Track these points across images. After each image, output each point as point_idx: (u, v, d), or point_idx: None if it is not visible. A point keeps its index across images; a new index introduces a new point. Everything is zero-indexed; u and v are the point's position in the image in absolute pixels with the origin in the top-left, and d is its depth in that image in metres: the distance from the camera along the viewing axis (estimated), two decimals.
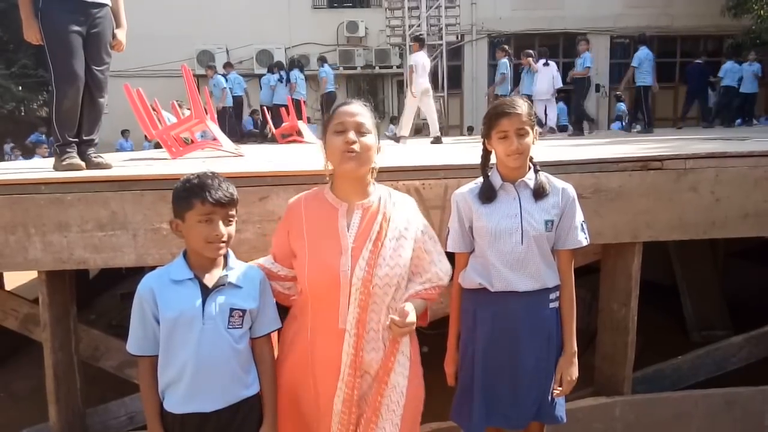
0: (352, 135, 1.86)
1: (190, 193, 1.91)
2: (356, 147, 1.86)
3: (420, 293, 2.00)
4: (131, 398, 3.40)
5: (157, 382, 1.98)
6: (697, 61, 13.37)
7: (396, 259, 1.91)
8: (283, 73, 12.81)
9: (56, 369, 3.02)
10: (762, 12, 16.17)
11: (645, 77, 10.12)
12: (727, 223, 3.17)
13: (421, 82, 8.86)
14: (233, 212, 1.97)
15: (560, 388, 2.31)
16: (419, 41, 9.39)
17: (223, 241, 1.93)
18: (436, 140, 8.84)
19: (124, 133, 15.31)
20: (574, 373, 2.32)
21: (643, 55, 10.16)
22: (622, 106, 16.07)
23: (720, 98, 13.13)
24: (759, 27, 16.13)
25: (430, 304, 2.07)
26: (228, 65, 13.91)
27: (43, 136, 16.20)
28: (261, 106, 13.39)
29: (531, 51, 10.97)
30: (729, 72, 12.66)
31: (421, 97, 8.95)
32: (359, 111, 1.92)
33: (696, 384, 3.62)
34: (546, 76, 10.55)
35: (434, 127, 9.02)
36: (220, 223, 1.91)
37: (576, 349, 2.34)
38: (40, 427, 3.26)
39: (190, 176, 1.96)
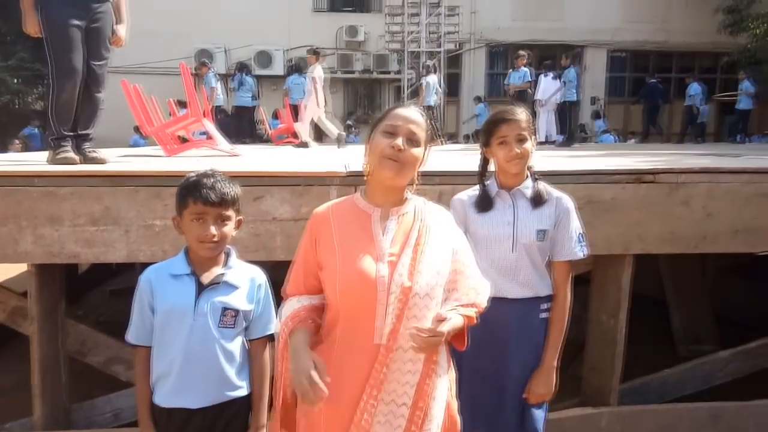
0: (400, 141, 1.69)
1: (186, 192, 1.93)
2: (401, 155, 1.69)
3: (458, 309, 1.80)
4: (117, 395, 3.39)
5: (150, 373, 2.00)
6: (652, 80, 13.85)
7: (437, 268, 1.75)
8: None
9: (43, 363, 3.01)
10: (758, 31, 16.33)
11: (572, 94, 10.92)
12: (718, 238, 3.20)
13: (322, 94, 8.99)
14: (229, 212, 1.96)
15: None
16: (316, 54, 9.41)
17: (215, 241, 1.93)
18: (303, 145, 8.96)
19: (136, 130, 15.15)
20: (546, 387, 2.28)
21: (572, 74, 10.94)
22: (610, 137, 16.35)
23: (684, 116, 13.88)
24: (755, 46, 16.30)
25: (467, 325, 1.83)
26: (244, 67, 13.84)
27: (36, 129, 16.08)
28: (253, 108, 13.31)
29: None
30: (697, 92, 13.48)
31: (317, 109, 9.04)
32: (416, 119, 1.75)
33: (682, 397, 3.65)
34: (553, 88, 10.84)
35: (305, 135, 9.16)
36: (212, 223, 1.92)
37: (555, 364, 2.30)
38: (24, 421, 3.24)
39: (191, 174, 1.98)
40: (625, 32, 18.23)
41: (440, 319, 1.66)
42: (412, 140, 1.72)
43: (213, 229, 1.92)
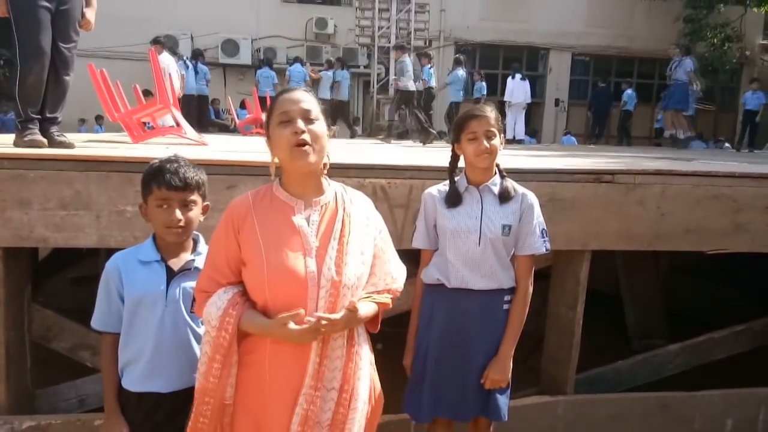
0: (300, 124, 1.66)
1: (149, 178, 1.96)
2: (306, 137, 1.66)
3: (372, 296, 1.85)
4: (82, 381, 3.37)
5: (118, 359, 2.02)
6: (602, 84, 14.39)
7: (362, 258, 1.77)
8: (188, 61, 12.29)
9: (8, 348, 2.97)
10: (715, 41, 16.98)
11: (456, 95, 11.45)
12: (671, 237, 3.37)
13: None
14: (194, 197, 1.99)
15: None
16: (159, 43, 9.41)
17: (180, 226, 1.96)
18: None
19: (98, 119, 14.70)
20: (501, 374, 2.38)
21: (458, 75, 11.53)
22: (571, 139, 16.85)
23: (619, 120, 14.50)
24: (711, 55, 16.93)
25: (382, 310, 1.88)
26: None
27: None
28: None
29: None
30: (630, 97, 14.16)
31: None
32: (303, 97, 1.72)
33: (634, 388, 3.83)
34: (521, 90, 11.19)
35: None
36: (177, 207, 1.95)
37: (511, 352, 2.40)
38: None
39: (154, 161, 2.00)
40: (589, 37, 18.69)
41: (352, 308, 1.69)
42: (309, 118, 1.70)
43: (178, 214, 1.94)
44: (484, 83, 13.53)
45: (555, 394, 3.48)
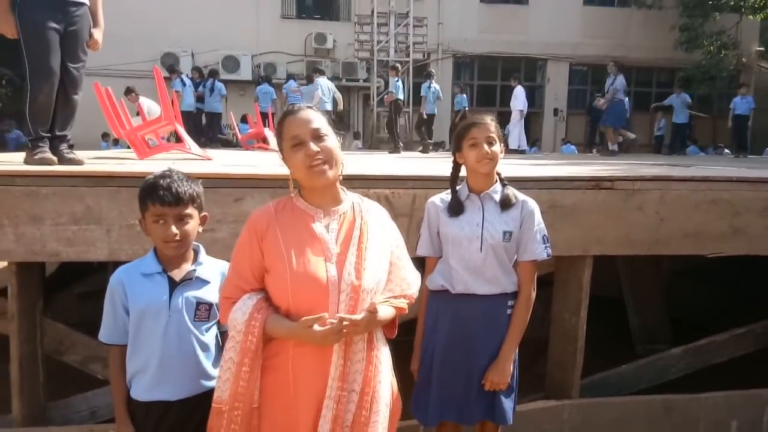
0: (312, 146, 1.73)
1: (144, 195, 2.00)
2: (320, 157, 1.73)
3: (389, 300, 1.89)
4: (93, 393, 3.41)
5: (125, 370, 2.07)
6: (598, 94, 14.57)
7: (380, 263, 1.83)
8: (185, 78, 12.51)
9: (21, 361, 3.03)
10: (711, 48, 17.13)
11: (431, 107, 11.87)
12: (670, 241, 3.43)
13: None
14: (188, 211, 2.02)
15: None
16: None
17: (177, 240, 1.99)
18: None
19: (104, 136, 14.87)
20: (501, 376, 2.42)
21: (427, 88, 11.90)
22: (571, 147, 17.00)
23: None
24: (708, 62, 17.07)
25: (399, 315, 1.93)
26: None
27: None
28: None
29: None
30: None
31: None
32: (309, 117, 1.78)
33: (638, 391, 3.86)
34: (520, 99, 11.43)
35: None
36: (173, 223, 1.98)
37: (512, 356, 2.45)
38: (0, 418, 3.23)
39: (149, 177, 2.04)
40: (586, 47, 18.87)
41: (372, 310, 1.75)
42: (320, 136, 1.76)
43: (173, 229, 1.97)
44: (464, 96, 13.96)
45: (561, 398, 3.52)
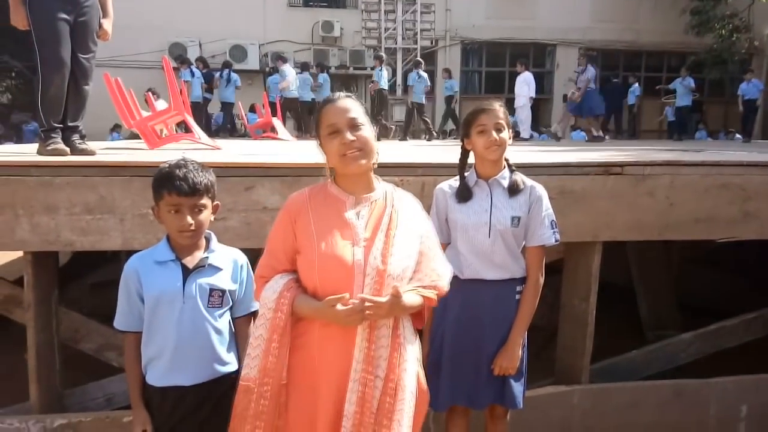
0: (348, 135, 1.79)
1: (160, 184, 2.01)
2: (356, 145, 1.79)
3: (417, 289, 1.89)
4: (109, 380, 3.48)
5: (141, 356, 2.10)
6: (614, 80, 14.41)
7: (407, 251, 1.86)
8: (193, 69, 12.62)
9: (38, 349, 3.08)
10: (723, 31, 16.89)
11: (419, 96, 11.96)
12: (680, 226, 3.42)
13: None
14: (203, 201, 2.04)
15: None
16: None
17: (192, 230, 2.02)
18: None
19: (116, 128, 14.94)
20: (510, 361, 2.44)
21: (416, 77, 12.14)
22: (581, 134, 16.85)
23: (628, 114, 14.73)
24: (720, 46, 16.84)
25: (427, 306, 1.93)
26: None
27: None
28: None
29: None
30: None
31: None
32: (347, 106, 1.84)
33: (648, 377, 3.88)
34: (531, 86, 11.65)
35: None
36: (188, 213, 2.00)
37: (520, 340, 2.46)
38: (19, 406, 3.30)
39: (164, 165, 2.05)
40: (596, 31, 18.64)
41: (396, 294, 1.75)
42: (356, 126, 1.81)
43: (189, 219, 2.00)
44: (454, 81, 14.04)
45: (570, 383, 3.54)
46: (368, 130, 1.84)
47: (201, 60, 13.55)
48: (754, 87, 12.14)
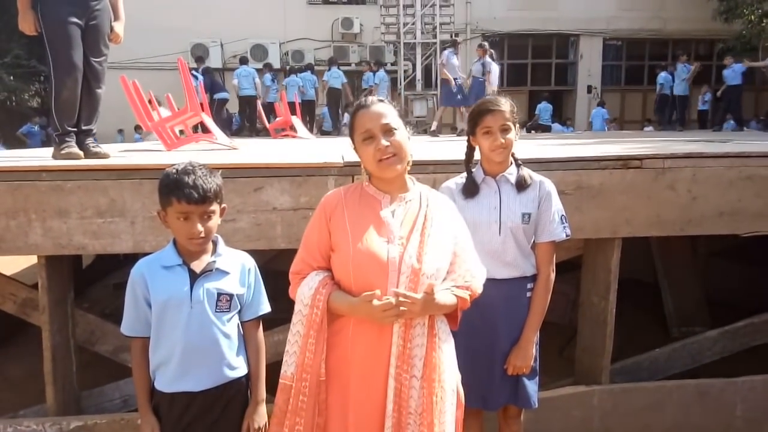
0: (383, 142, 1.80)
1: (168, 190, 1.97)
2: (391, 150, 1.80)
3: (451, 289, 1.88)
4: (125, 382, 3.49)
5: (148, 362, 2.08)
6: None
7: (442, 251, 1.86)
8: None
9: (54, 351, 3.11)
10: (752, 17, 16.38)
11: (382, 94, 12.27)
12: (703, 220, 3.30)
13: None
14: (213, 207, 2.01)
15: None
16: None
17: (202, 237, 1.99)
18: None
19: (137, 129, 15.17)
20: (523, 360, 2.40)
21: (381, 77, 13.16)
22: (601, 111, 16.51)
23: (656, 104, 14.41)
24: (749, 32, 16.35)
25: (461, 307, 1.91)
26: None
27: (36, 127, 16.12)
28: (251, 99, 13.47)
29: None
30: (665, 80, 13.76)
31: None
32: (382, 110, 1.85)
33: (672, 376, 3.76)
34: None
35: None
36: (198, 220, 1.97)
37: (533, 339, 2.41)
38: (37, 408, 3.35)
39: (171, 170, 2.00)
40: (620, 20, 18.30)
41: (429, 292, 1.75)
42: (390, 131, 1.82)
43: (199, 227, 1.96)
44: (371, 73, 14.07)
45: (590, 383, 3.45)
46: (402, 134, 1.85)
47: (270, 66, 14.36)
48: (731, 73, 11.81)
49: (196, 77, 11.83)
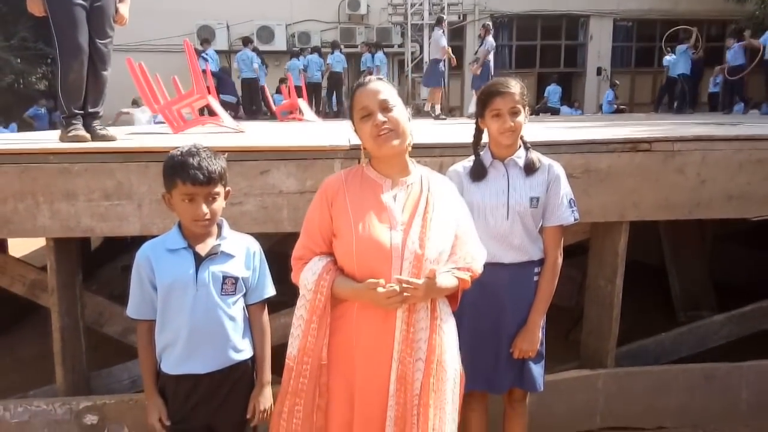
0: (380, 116, 1.79)
1: (173, 172, 1.96)
2: (387, 126, 1.79)
3: (453, 271, 1.89)
4: (134, 363, 3.53)
5: (154, 344, 2.10)
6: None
7: (444, 235, 1.86)
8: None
9: (63, 333, 3.15)
10: None
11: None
12: (712, 204, 3.28)
13: None
14: (217, 189, 2.01)
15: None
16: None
17: (207, 219, 1.99)
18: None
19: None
20: (530, 344, 2.40)
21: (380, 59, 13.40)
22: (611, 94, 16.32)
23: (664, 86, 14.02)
24: (762, 12, 16.08)
25: (462, 288, 1.93)
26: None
27: (43, 109, 16.13)
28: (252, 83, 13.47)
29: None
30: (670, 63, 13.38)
31: None
32: (379, 88, 1.84)
33: (678, 360, 3.76)
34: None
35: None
36: (203, 202, 1.97)
37: (540, 322, 2.42)
38: (47, 388, 3.39)
39: (176, 152, 2.00)
40: (630, 1, 18.01)
41: (431, 276, 1.76)
42: (388, 108, 1.81)
43: (204, 208, 1.97)
44: (371, 54, 14.39)
45: (595, 367, 3.45)
46: (400, 111, 1.84)
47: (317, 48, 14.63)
48: (733, 53, 11.60)
49: (205, 59, 11.83)
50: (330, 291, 1.83)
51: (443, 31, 10.87)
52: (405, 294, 1.72)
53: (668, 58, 13.71)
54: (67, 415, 3.09)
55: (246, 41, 13.85)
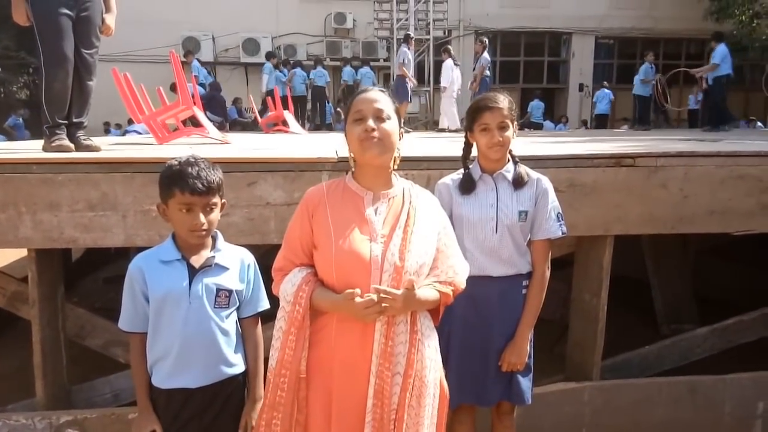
0: (371, 122, 1.79)
1: (170, 182, 1.94)
2: (375, 134, 1.79)
3: (434, 284, 1.88)
4: (116, 376, 3.48)
5: (146, 357, 2.06)
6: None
7: (425, 248, 1.85)
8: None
9: (44, 345, 3.09)
10: (743, 17, 16.50)
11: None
12: (695, 219, 3.33)
13: None
14: (215, 200, 2.00)
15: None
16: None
17: (204, 230, 1.97)
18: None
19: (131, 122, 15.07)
20: (518, 357, 2.41)
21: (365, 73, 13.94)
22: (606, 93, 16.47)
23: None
24: (740, 32, 16.46)
25: (444, 303, 1.91)
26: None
27: (20, 119, 15.94)
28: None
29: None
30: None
31: None
32: (377, 97, 1.84)
33: (662, 373, 3.79)
34: (454, 75, 11.53)
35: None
36: (201, 212, 1.95)
37: (528, 336, 2.42)
38: (27, 402, 3.32)
39: (174, 162, 1.99)
40: (612, 19, 18.36)
41: (409, 287, 1.74)
42: (381, 117, 1.81)
43: (202, 218, 1.94)
44: (353, 69, 14.85)
45: (581, 380, 3.47)
46: (393, 125, 1.83)
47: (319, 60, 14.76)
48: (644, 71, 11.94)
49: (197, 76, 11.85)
50: (309, 302, 1.81)
51: (409, 49, 10.98)
52: (383, 305, 1.70)
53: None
54: (47, 429, 3.03)
55: (269, 56, 14.24)
